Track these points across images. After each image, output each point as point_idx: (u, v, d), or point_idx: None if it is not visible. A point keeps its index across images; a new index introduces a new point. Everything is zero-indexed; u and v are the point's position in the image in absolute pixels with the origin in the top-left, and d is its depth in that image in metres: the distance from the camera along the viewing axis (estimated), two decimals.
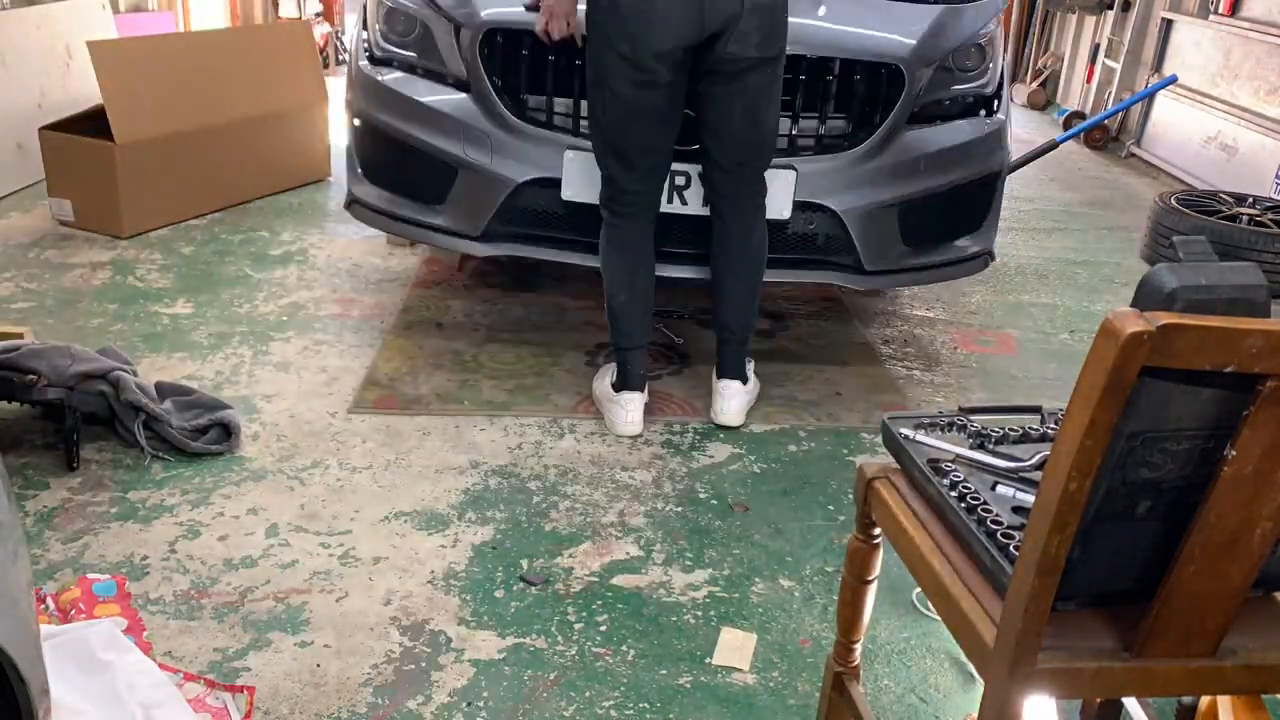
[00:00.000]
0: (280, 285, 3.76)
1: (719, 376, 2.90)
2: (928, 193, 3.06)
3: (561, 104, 2.90)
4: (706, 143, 2.69)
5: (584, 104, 2.82)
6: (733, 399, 2.87)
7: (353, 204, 3.31)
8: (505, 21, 2.86)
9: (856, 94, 2.93)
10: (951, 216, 3.21)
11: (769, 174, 2.80)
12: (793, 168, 2.87)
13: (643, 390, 2.88)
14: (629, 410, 2.83)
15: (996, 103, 3.34)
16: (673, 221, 2.89)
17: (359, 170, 3.27)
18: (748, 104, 2.60)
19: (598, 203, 2.80)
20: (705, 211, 2.85)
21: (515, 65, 2.90)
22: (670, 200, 2.85)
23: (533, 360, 3.25)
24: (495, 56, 2.90)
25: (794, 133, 2.90)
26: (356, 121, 3.25)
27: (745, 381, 2.91)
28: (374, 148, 3.21)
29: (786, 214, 2.90)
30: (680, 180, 2.83)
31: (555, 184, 2.90)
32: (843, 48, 2.89)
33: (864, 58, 2.90)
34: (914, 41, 2.96)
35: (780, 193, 2.86)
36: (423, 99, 3.03)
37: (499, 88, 2.92)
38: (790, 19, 2.67)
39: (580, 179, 2.86)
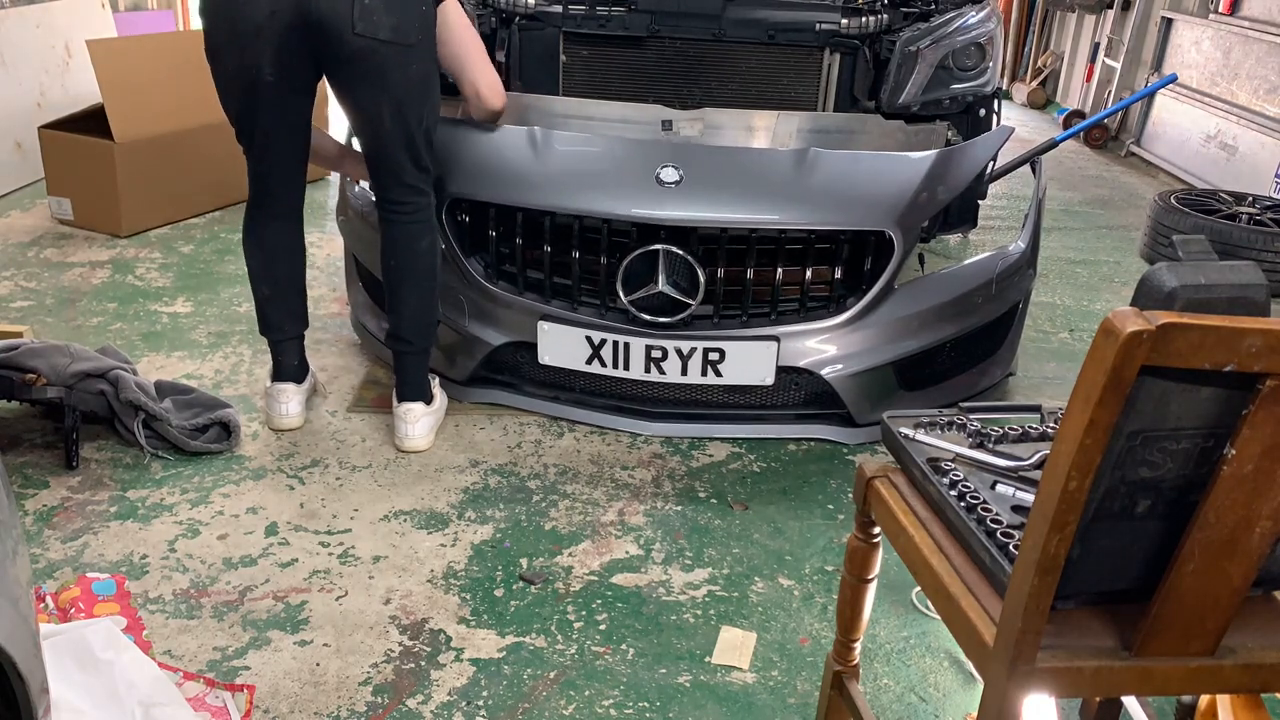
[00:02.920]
0: None
1: (399, 400, 2.70)
2: (929, 348, 2.82)
3: (534, 273, 2.79)
4: (362, 144, 2.57)
5: (556, 272, 2.75)
6: (416, 424, 2.68)
7: (357, 324, 3.28)
8: (470, 194, 2.76)
9: (841, 260, 2.72)
10: (960, 356, 2.95)
11: (750, 345, 2.68)
12: (775, 338, 2.69)
13: (301, 381, 2.80)
14: (282, 402, 2.74)
15: (997, 103, 3.33)
16: (654, 384, 2.79)
17: (360, 295, 3.22)
18: (393, 103, 2.42)
19: (577, 367, 2.75)
20: (688, 380, 2.73)
21: (485, 235, 2.81)
22: (647, 370, 2.72)
23: None
24: (464, 225, 2.83)
25: (774, 308, 2.72)
26: (347, 248, 3.21)
27: (429, 401, 2.73)
28: (365, 281, 3.17)
29: (770, 380, 2.73)
30: (656, 353, 2.69)
31: (532, 347, 2.79)
32: (826, 219, 2.66)
33: (849, 227, 2.68)
34: (904, 204, 2.70)
35: (762, 361, 2.69)
36: None
37: (470, 256, 2.83)
38: (774, 185, 2.60)
39: (557, 347, 2.75)
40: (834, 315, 2.74)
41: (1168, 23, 6.42)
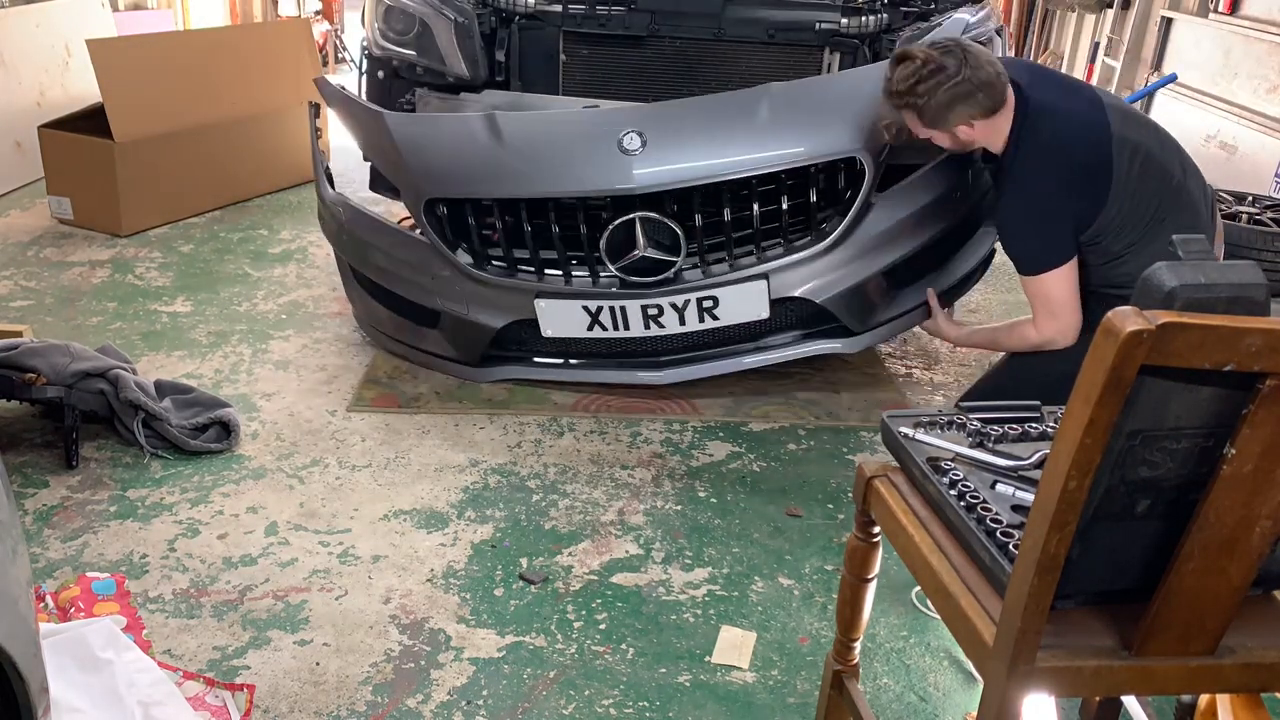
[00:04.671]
0: (279, 283, 3.76)
1: None
2: (909, 255, 2.89)
3: (521, 253, 2.84)
4: None
5: (544, 253, 2.80)
6: None
7: (361, 322, 3.29)
8: (440, 194, 2.79)
9: (817, 190, 2.77)
10: (941, 254, 3.02)
11: (741, 287, 2.74)
12: (764, 276, 2.77)
13: None
14: None
15: None
16: (658, 340, 2.87)
17: (358, 294, 3.23)
18: None
19: (580, 334, 2.83)
20: (687, 329, 2.81)
21: (467, 228, 2.84)
22: (647, 327, 2.81)
23: None
24: (446, 221, 2.84)
25: (758, 249, 2.79)
26: (342, 262, 3.21)
27: None
28: (367, 291, 3.18)
29: (765, 314, 2.82)
30: (653, 310, 2.78)
31: (534, 323, 2.88)
32: (791, 159, 2.70)
33: (816, 159, 2.71)
34: (868, 123, 2.70)
35: (755, 299, 2.79)
36: (396, 255, 2.96)
37: (458, 249, 2.86)
38: (736, 129, 2.63)
39: (557, 320, 2.84)
40: (817, 243, 2.80)
41: (1167, 22, 6.42)
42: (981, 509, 1.29)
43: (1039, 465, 1.37)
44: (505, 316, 2.89)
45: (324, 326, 3.40)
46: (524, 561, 2.27)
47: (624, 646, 2.03)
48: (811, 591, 2.23)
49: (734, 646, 2.04)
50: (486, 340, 2.94)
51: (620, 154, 2.68)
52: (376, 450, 2.69)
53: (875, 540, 1.51)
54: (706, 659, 2.01)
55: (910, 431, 1.46)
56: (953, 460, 1.41)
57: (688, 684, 1.94)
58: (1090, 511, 1.09)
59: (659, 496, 2.54)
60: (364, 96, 3.39)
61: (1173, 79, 5.78)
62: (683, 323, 2.81)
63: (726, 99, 2.84)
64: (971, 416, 1.50)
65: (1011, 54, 8.38)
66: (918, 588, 2.13)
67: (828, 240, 2.78)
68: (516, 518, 2.43)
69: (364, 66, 3.47)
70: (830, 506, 2.54)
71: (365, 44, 3.29)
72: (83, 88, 4.88)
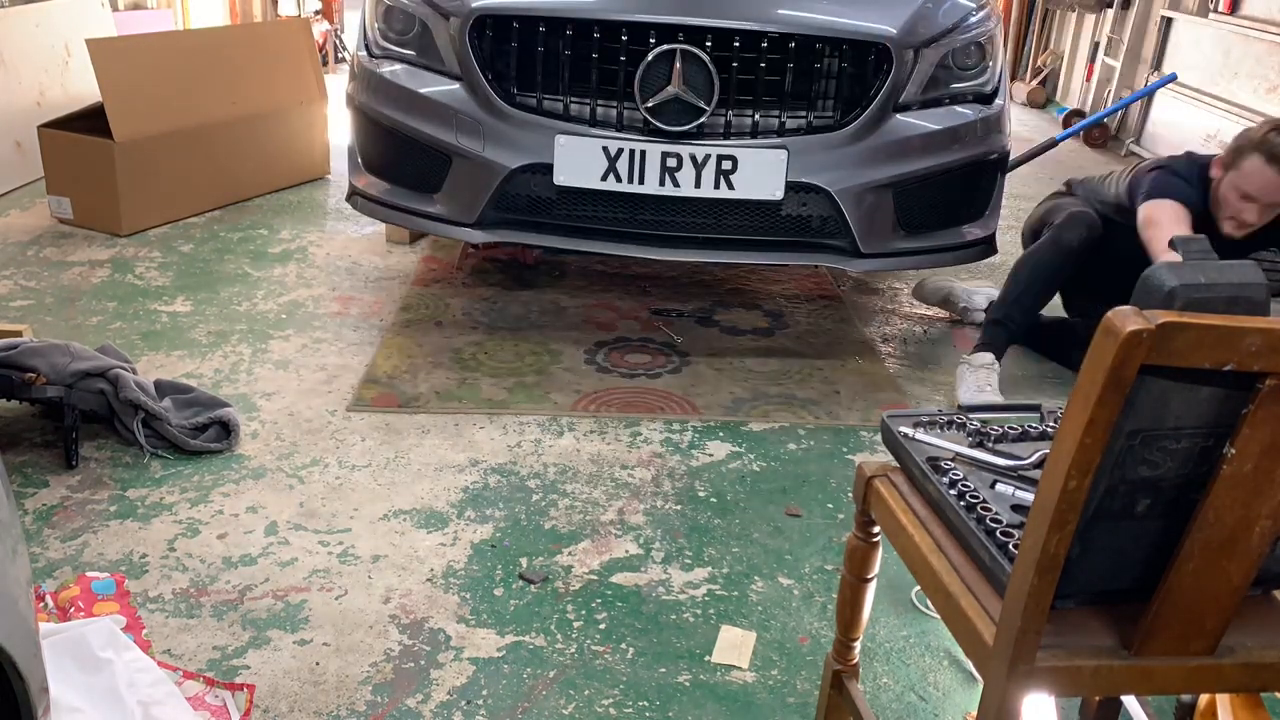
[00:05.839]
0: (279, 283, 3.76)
1: None
2: (923, 174, 3.05)
3: (550, 96, 2.93)
4: None
5: (574, 87, 2.88)
6: None
7: (353, 195, 3.34)
8: (493, 8, 2.89)
9: (845, 74, 2.94)
10: (949, 201, 3.19)
11: (761, 154, 2.85)
12: (784, 147, 2.88)
13: None
14: None
15: (997, 99, 3.33)
16: (667, 204, 2.90)
17: (359, 161, 3.29)
18: None
19: (591, 186, 2.86)
20: (701, 193, 2.87)
21: (505, 53, 2.92)
22: (662, 183, 2.86)
23: (532, 358, 3.25)
24: (484, 45, 2.93)
25: (783, 116, 2.92)
26: (356, 112, 3.27)
27: None
28: (372, 138, 3.23)
29: (780, 194, 2.90)
30: (671, 162, 2.84)
31: (548, 169, 2.91)
32: (829, 28, 2.88)
33: (850, 37, 2.90)
34: (900, 22, 2.96)
35: (773, 172, 2.87)
36: (416, 89, 3.06)
37: (489, 77, 2.94)
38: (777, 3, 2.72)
39: (573, 164, 2.88)
40: (839, 128, 2.92)
41: (1167, 22, 6.42)
42: (981, 509, 1.29)
43: (1039, 465, 1.37)
44: (522, 157, 2.92)
45: (324, 326, 3.40)
46: (524, 561, 2.27)
47: (624, 646, 2.03)
48: (811, 591, 2.23)
49: (734, 646, 2.04)
50: (495, 185, 2.95)
51: None
52: (376, 450, 2.69)
53: (875, 540, 1.51)
54: (706, 659, 2.01)
55: (910, 431, 1.46)
56: (952, 460, 1.41)
57: (687, 684, 1.94)
58: (1090, 511, 1.09)
59: (659, 496, 2.54)
60: None
61: (1172, 79, 5.78)
62: (698, 184, 2.85)
63: None
64: (971, 416, 1.50)
65: (1010, 54, 8.39)
66: (918, 588, 2.13)
67: (851, 128, 2.93)
68: (516, 517, 2.43)
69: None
70: (830, 506, 2.54)
71: (365, 44, 3.29)
72: (83, 88, 4.88)
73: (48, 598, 1.99)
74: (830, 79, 2.94)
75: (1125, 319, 0.95)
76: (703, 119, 2.82)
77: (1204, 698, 1.52)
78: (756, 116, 2.88)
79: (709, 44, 2.80)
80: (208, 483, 2.50)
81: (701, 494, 2.56)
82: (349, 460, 2.63)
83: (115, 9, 5.56)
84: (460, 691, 1.89)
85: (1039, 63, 8.28)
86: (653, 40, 2.80)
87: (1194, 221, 2.83)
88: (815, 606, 2.18)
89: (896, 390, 3.20)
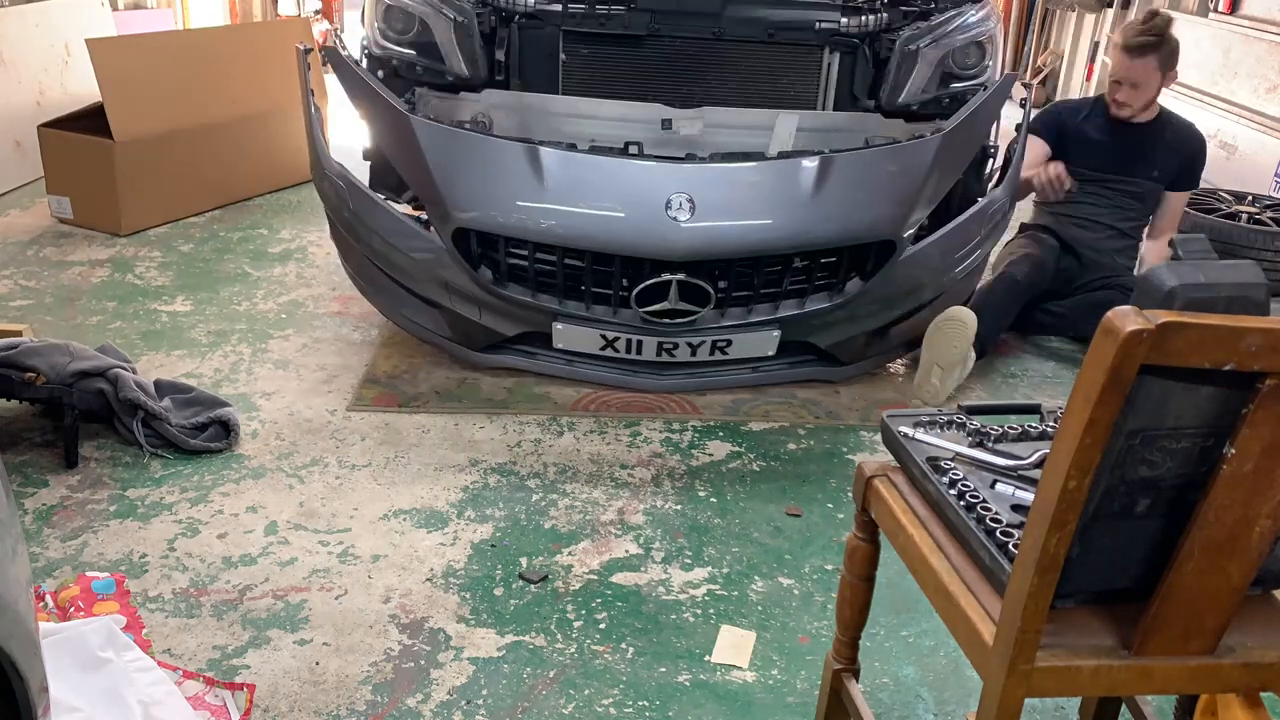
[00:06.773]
0: (279, 283, 3.76)
1: None
2: (911, 311, 3.09)
3: (545, 279, 2.82)
4: None
5: (568, 290, 2.81)
6: None
7: (348, 272, 3.29)
8: (473, 225, 2.73)
9: (845, 260, 2.85)
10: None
11: (755, 333, 2.88)
12: (779, 324, 2.88)
13: None
14: None
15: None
16: (664, 365, 2.96)
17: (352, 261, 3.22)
18: None
19: (590, 352, 2.92)
20: (697, 358, 2.91)
21: (494, 257, 2.81)
22: (658, 355, 2.90)
23: None
24: (473, 247, 2.79)
25: (779, 303, 2.86)
26: (343, 242, 3.18)
27: None
28: (367, 267, 3.15)
29: (771, 353, 2.97)
30: (668, 345, 2.86)
31: (546, 336, 2.93)
32: (834, 239, 2.77)
33: (863, 240, 2.80)
34: (908, 208, 2.81)
35: (765, 343, 2.93)
36: (409, 254, 2.90)
37: (480, 271, 2.82)
38: (785, 203, 2.71)
39: (571, 338, 2.90)
40: (834, 299, 2.90)
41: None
42: (981, 509, 1.29)
43: (1039, 465, 1.37)
44: (518, 327, 2.95)
45: (324, 326, 3.40)
46: (524, 561, 2.27)
47: (624, 646, 2.03)
48: (811, 591, 2.23)
49: (734, 646, 2.04)
50: (493, 340, 3.00)
51: (667, 218, 2.66)
52: (376, 450, 2.69)
53: (875, 540, 1.51)
54: (706, 658, 2.01)
55: (910, 431, 1.46)
56: (952, 460, 1.41)
57: (687, 683, 1.94)
58: (1090, 511, 1.09)
59: (659, 496, 2.54)
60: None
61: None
62: (694, 356, 2.91)
63: (780, 166, 2.82)
64: (971, 416, 1.50)
65: (1009, 54, 8.39)
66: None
67: (843, 298, 2.89)
68: (516, 517, 2.43)
69: (363, 66, 3.46)
70: (830, 506, 2.54)
71: (365, 43, 3.29)
72: (82, 87, 4.88)
73: (48, 597, 1.99)
74: (828, 269, 2.86)
75: (1126, 319, 0.95)
76: (699, 316, 2.78)
77: (1204, 697, 1.52)
78: (752, 307, 2.86)
79: (708, 266, 2.74)
80: (208, 482, 2.50)
81: (701, 494, 2.56)
82: (349, 460, 2.63)
83: (115, 9, 5.56)
84: (460, 691, 1.89)
85: (1039, 62, 8.28)
86: (648, 268, 2.71)
87: (1052, 144, 3.46)
88: (815, 606, 2.18)
89: (896, 390, 3.20)
